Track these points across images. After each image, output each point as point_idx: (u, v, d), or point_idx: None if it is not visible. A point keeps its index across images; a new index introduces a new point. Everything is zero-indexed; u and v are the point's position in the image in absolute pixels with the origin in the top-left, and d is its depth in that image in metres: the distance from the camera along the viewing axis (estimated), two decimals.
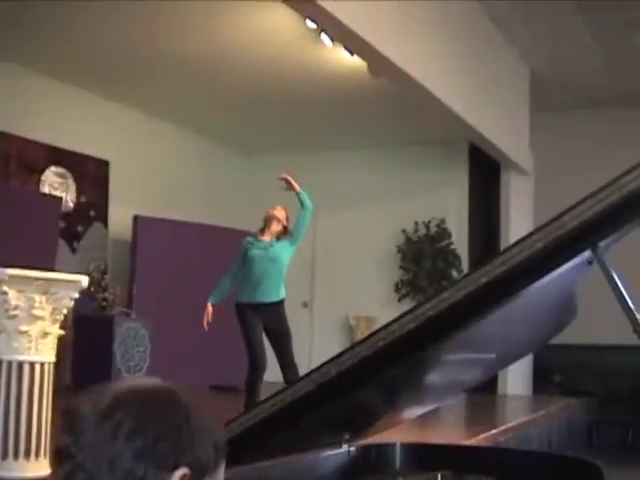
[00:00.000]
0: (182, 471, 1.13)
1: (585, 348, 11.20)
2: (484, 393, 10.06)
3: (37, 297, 3.28)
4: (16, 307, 3.24)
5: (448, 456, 2.74)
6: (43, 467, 3.43)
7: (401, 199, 11.81)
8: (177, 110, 10.56)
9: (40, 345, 3.31)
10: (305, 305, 12.41)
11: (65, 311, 3.42)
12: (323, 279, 12.35)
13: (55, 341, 3.43)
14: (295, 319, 12.01)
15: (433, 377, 2.46)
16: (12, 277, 3.20)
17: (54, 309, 3.35)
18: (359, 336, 11.29)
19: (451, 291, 1.89)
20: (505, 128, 10.18)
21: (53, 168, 9.44)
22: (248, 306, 6.63)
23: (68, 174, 9.62)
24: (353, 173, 12.16)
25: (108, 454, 1.11)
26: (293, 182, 7.03)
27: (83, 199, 9.80)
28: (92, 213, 9.91)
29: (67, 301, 3.38)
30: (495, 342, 2.42)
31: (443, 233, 11.61)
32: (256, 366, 6.53)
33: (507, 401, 10.51)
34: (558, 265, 1.87)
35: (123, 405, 1.14)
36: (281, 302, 6.86)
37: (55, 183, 9.46)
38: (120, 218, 9.92)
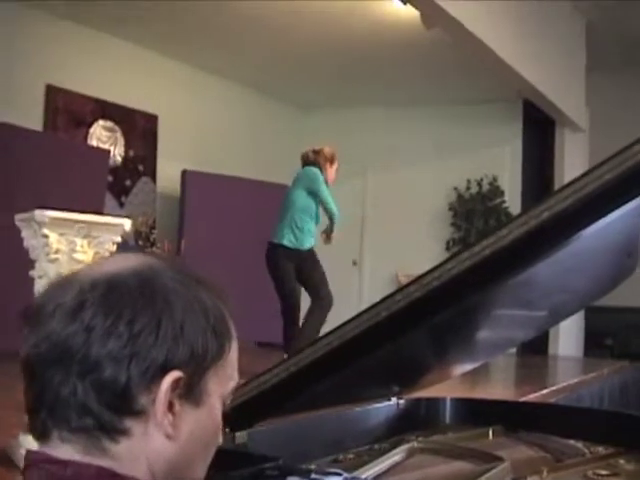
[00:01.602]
0: (173, 375, 0.95)
1: (637, 311, 11.05)
2: (535, 354, 9.99)
3: (79, 241, 3.20)
4: (57, 251, 3.17)
5: (499, 412, 2.65)
6: None
7: (453, 157, 11.66)
8: (228, 64, 10.45)
9: None
10: (354, 263, 12.35)
11: (107, 255, 3.34)
12: (373, 237, 12.25)
13: None
14: (344, 277, 12.05)
15: (483, 329, 2.36)
16: (53, 220, 3.13)
17: (96, 253, 3.27)
18: None
19: (511, 227, 1.75)
20: (560, 84, 9.97)
21: (101, 122, 9.41)
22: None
23: (117, 128, 9.59)
24: (405, 130, 12.02)
25: (79, 367, 0.92)
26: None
27: (131, 153, 9.76)
28: (140, 167, 9.88)
29: (109, 245, 3.30)
30: (549, 292, 2.30)
31: (496, 191, 11.44)
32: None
33: (558, 362, 10.39)
34: (629, 199, 1.71)
35: (89, 302, 0.94)
36: (282, 247, 6.70)
37: (103, 137, 9.43)
38: (168, 173, 9.88)
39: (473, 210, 11.41)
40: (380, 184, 12.16)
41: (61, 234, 3.16)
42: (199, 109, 10.60)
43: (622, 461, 2.10)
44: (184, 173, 9.75)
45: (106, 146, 9.33)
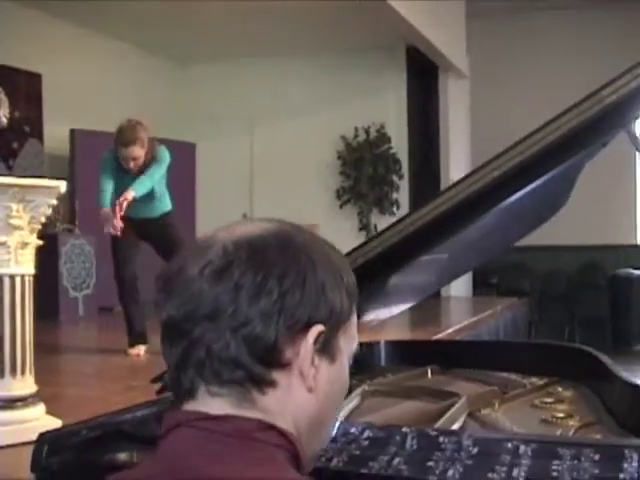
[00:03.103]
0: (317, 329, 1.00)
1: (521, 250, 11.37)
2: (429, 296, 10.18)
3: (14, 205, 3.12)
4: None
5: (430, 351, 2.73)
6: (29, 384, 3.32)
7: (340, 105, 11.69)
8: (109, 21, 10.22)
9: (19, 256, 3.17)
10: (245, 216, 12.33)
11: (43, 219, 3.28)
12: (263, 189, 12.23)
13: (34, 252, 3.30)
14: None
15: (423, 271, 2.44)
16: None
17: (32, 217, 3.20)
18: None
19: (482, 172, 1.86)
20: (443, 30, 10.16)
21: None
22: None
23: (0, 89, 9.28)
24: (290, 80, 12.00)
25: (230, 322, 0.97)
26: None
27: (17, 114, 9.48)
28: (27, 129, 9.62)
29: (45, 208, 3.24)
30: (483, 236, 2.41)
31: (383, 138, 11.55)
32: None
33: (452, 302, 10.65)
34: (591, 143, 1.83)
35: (235, 262, 0.98)
36: None
37: None
38: (56, 133, 9.66)
39: (361, 158, 11.51)
40: (267, 136, 12.15)
41: None
42: (83, 67, 10.36)
43: (560, 389, 2.22)
44: (72, 132, 9.56)
45: None
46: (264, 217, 1.10)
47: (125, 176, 6.01)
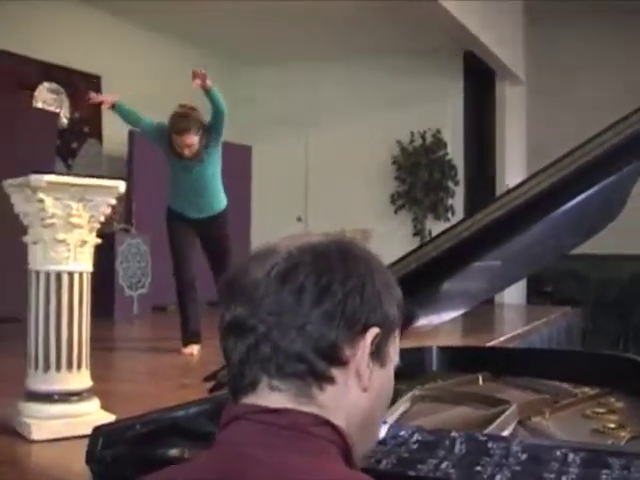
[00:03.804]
0: (374, 331, 1.06)
1: (575, 258, 11.26)
2: (482, 303, 10.13)
3: (74, 204, 3.19)
4: (53, 215, 3.16)
5: (483, 358, 2.72)
6: (85, 379, 3.37)
7: (396, 110, 11.66)
8: (169, 21, 10.34)
9: (78, 254, 3.23)
10: (299, 219, 12.39)
11: (102, 218, 3.34)
12: (317, 192, 12.27)
13: (92, 250, 3.35)
14: (289, 233, 12.07)
15: (472, 280, 2.44)
16: (49, 184, 3.11)
17: (91, 217, 3.26)
18: None
19: (534, 181, 1.86)
20: (500, 35, 10.11)
21: (46, 84, 9.27)
22: None
23: (61, 90, 9.45)
24: (346, 84, 12.02)
25: (295, 321, 1.03)
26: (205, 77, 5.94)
27: (77, 115, 9.65)
28: (86, 129, 9.77)
29: (104, 208, 3.30)
30: (536, 244, 2.40)
31: (439, 143, 11.52)
32: None
33: (505, 310, 10.59)
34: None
35: (301, 265, 1.05)
36: None
37: (49, 99, 9.29)
38: (114, 134, 9.77)
39: (417, 163, 11.49)
40: (322, 139, 12.17)
41: (56, 198, 3.14)
42: (142, 68, 10.48)
43: (612, 399, 2.19)
44: (131, 133, 9.65)
45: (52, 108, 9.20)
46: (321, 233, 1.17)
47: (180, 161, 6.06)
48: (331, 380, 1.04)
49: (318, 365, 1.03)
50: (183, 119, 5.96)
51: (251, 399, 1.06)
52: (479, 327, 7.77)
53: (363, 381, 1.06)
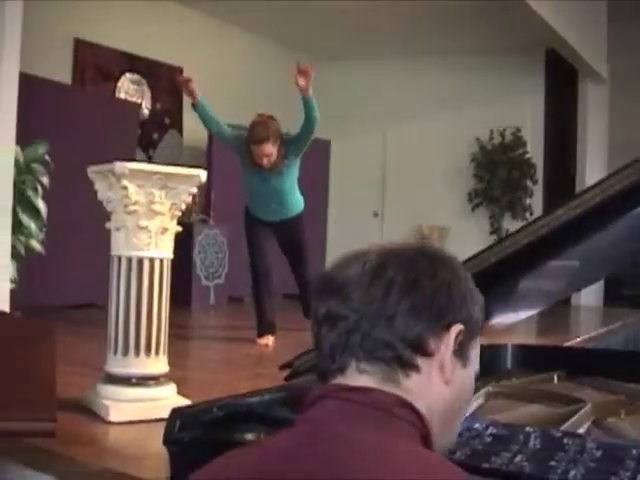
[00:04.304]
0: (459, 327, 1.11)
1: None
2: (558, 304, 10.03)
3: (156, 192, 3.25)
4: (136, 202, 3.22)
5: (558, 357, 2.71)
6: (163, 364, 3.44)
7: (476, 107, 11.56)
8: (249, 16, 10.39)
9: (159, 241, 3.29)
10: (376, 215, 12.39)
11: (183, 206, 3.40)
12: (394, 188, 12.24)
13: (173, 237, 3.41)
14: (366, 228, 12.11)
15: (548, 279, 2.43)
16: (132, 171, 3.17)
17: (173, 204, 3.32)
18: None
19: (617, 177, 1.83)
20: (584, 33, 9.97)
21: (128, 75, 9.40)
22: None
23: (143, 81, 9.59)
24: (425, 80, 11.95)
25: (384, 311, 1.08)
26: (310, 79, 5.96)
27: (158, 106, 9.78)
28: (167, 120, 9.89)
29: (185, 196, 3.35)
30: (613, 244, 2.38)
31: (518, 142, 11.39)
32: None
33: (582, 312, 10.46)
34: None
35: (390, 263, 1.12)
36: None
37: (131, 90, 9.43)
38: (195, 125, 9.85)
39: (495, 161, 11.40)
40: (402, 134, 12.13)
41: (139, 186, 3.20)
42: (222, 61, 10.57)
43: None
44: None
45: (134, 99, 9.34)
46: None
47: (258, 172, 6.08)
48: (416, 368, 1.09)
49: (404, 353, 1.09)
50: (262, 129, 5.96)
51: (339, 381, 1.11)
52: (554, 327, 7.70)
53: (446, 374, 1.11)
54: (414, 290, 1.09)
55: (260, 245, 6.29)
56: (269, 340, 6.12)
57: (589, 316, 10.17)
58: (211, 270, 9.01)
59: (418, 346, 1.09)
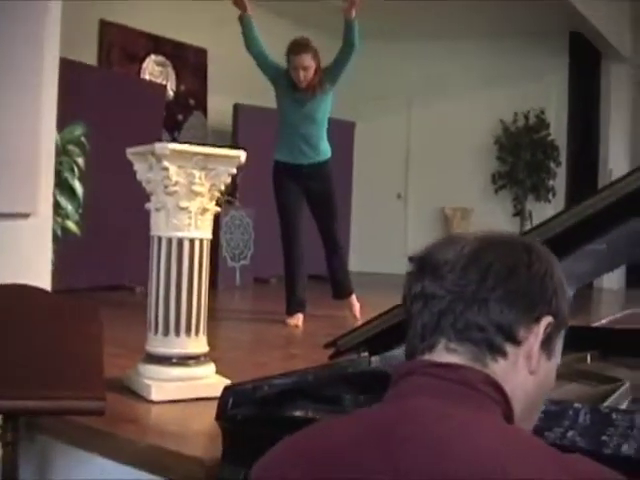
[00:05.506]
0: (548, 319, 1.15)
1: None
2: (581, 287, 10.00)
3: (196, 173, 3.28)
4: (176, 183, 3.25)
5: (589, 337, 2.74)
6: (202, 344, 3.48)
7: (499, 89, 11.56)
8: None
9: (199, 222, 3.32)
10: (399, 196, 12.40)
11: (223, 187, 3.43)
12: (418, 170, 12.24)
13: (212, 218, 3.45)
14: (389, 210, 12.13)
15: (578, 262, 2.45)
16: (173, 152, 3.20)
17: (212, 185, 3.35)
18: (455, 228, 11.27)
19: None
20: (607, 16, 9.93)
21: (153, 57, 9.43)
22: None
23: (168, 62, 9.62)
24: (449, 62, 11.90)
25: (479, 295, 1.11)
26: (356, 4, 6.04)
27: (183, 88, 9.81)
28: (192, 102, 9.92)
29: (225, 177, 3.39)
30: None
31: (542, 124, 11.39)
32: None
33: (605, 294, 10.46)
34: None
35: (489, 249, 1.15)
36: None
37: (156, 72, 9.46)
38: (220, 107, 9.90)
39: (519, 143, 11.39)
40: (425, 117, 12.12)
41: (179, 166, 3.24)
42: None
43: None
44: (236, 107, 9.76)
45: (159, 81, 9.37)
46: None
47: (293, 93, 6.13)
48: (504, 354, 1.13)
49: (495, 338, 1.12)
50: (302, 40, 6.16)
51: (426, 358, 1.14)
52: (578, 309, 7.68)
53: (532, 363, 1.14)
54: (510, 278, 1.12)
55: (293, 220, 6.27)
56: (299, 320, 6.09)
57: (612, 298, 10.16)
58: (237, 251, 9.06)
59: (509, 334, 1.12)
